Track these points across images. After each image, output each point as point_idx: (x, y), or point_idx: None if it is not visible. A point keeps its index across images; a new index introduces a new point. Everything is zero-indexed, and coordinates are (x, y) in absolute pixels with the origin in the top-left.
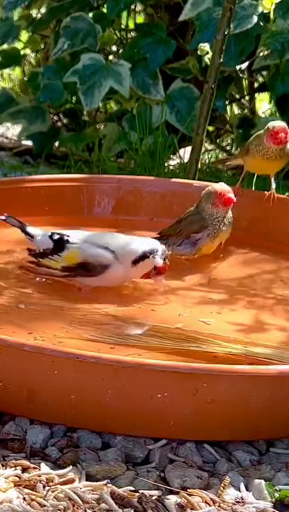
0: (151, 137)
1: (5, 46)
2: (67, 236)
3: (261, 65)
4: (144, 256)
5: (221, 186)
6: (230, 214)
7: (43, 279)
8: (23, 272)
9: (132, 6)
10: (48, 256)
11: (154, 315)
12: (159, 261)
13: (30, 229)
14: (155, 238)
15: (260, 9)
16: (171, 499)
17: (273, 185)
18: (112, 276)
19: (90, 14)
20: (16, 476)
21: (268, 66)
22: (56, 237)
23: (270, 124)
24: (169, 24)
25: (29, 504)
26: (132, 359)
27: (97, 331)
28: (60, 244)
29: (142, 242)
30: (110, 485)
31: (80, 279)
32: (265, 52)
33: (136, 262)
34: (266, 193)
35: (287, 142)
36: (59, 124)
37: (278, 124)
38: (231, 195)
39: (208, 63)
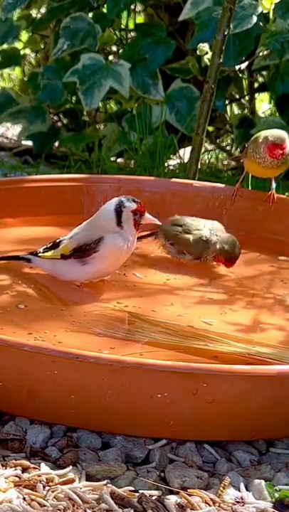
0: (151, 137)
1: (5, 46)
2: (59, 239)
3: (261, 65)
4: (119, 212)
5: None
6: (220, 226)
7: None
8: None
9: (132, 6)
10: (48, 252)
11: (155, 315)
12: (131, 205)
13: (23, 255)
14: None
15: (259, 9)
16: (171, 499)
17: (273, 186)
18: (113, 247)
19: (90, 14)
20: (16, 476)
21: (267, 66)
22: (50, 244)
23: (270, 135)
24: (168, 24)
25: (29, 504)
26: (132, 359)
27: (105, 326)
28: (57, 244)
29: (106, 206)
30: (110, 485)
31: (83, 270)
32: (265, 52)
33: (118, 222)
34: (266, 193)
35: (282, 157)
36: (59, 124)
37: (277, 135)
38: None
39: (208, 63)
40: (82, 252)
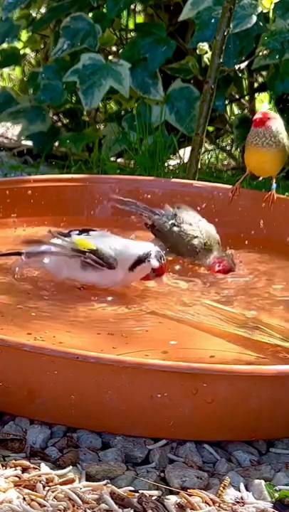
0: (151, 137)
1: (5, 45)
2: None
3: (260, 64)
4: (140, 261)
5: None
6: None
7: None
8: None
9: (132, 6)
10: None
11: (154, 315)
12: (155, 263)
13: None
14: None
15: (259, 9)
16: (171, 499)
17: (274, 186)
18: (113, 276)
19: (90, 14)
20: (16, 476)
21: (267, 66)
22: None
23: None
24: (169, 24)
25: (29, 504)
26: (132, 359)
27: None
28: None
29: (137, 246)
30: (110, 485)
31: (81, 276)
32: (265, 52)
33: (133, 267)
34: (266, 193)
35: (266, 124)
36: (59, 124)
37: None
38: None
39: (208, 63)
40: (96, 256)
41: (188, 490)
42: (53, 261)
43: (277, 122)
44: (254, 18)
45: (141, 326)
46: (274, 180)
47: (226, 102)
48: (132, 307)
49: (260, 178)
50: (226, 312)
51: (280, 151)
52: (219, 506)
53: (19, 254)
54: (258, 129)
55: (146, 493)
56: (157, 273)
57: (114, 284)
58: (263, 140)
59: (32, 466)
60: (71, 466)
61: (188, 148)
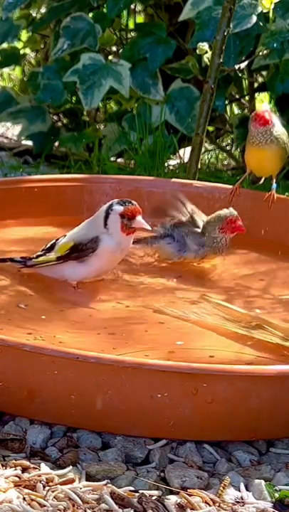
0: (151, 137)
1: (4, 45)
2: (56, 239)
3: (260, 64)
4: (107, 214)
5: (232, 213)
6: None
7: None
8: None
9: (132, 6)
10: (42, 256)
11: (154, 315)
12: (118, 208)
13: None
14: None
15: (259, 9)
16: (171, 499)
17: (274, 186)
18: (108, 248)
19: (90, 14)
20: (16, 476)
21: (267, 66)
22: (48, 245)
23: (253, 113)
24: (169, 24)
25: (29, 504)
26: (132, 359)
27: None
28: (52, 247)
29: (102, 206)
30: (110, 485)
31: (79, 269)
32: (265, 52)
33: (105, 223)
34: (266, 193)
35: (269, 122)
36: (59, 124)
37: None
38: (241, 223)
39: (208, 63)
40: (79, 252)
41: (189, 490)
42: (51, 270)
43: (276, 120)
44: (254, 18)
45: (143, 326)
46: (274, 180)
47: (226, 102)
48: (134, 306)
49: (261, 181)
50: (230, 311)
51: (280, 149)
52: (219, 506)
53: (12, 261)
54: (258, 127)
55: (147, 493)
56: (127, 216)
57: (112, 255)
58: (264, 139)
59: (32, 466)
60: (71, 466)
61: (188, 148)
